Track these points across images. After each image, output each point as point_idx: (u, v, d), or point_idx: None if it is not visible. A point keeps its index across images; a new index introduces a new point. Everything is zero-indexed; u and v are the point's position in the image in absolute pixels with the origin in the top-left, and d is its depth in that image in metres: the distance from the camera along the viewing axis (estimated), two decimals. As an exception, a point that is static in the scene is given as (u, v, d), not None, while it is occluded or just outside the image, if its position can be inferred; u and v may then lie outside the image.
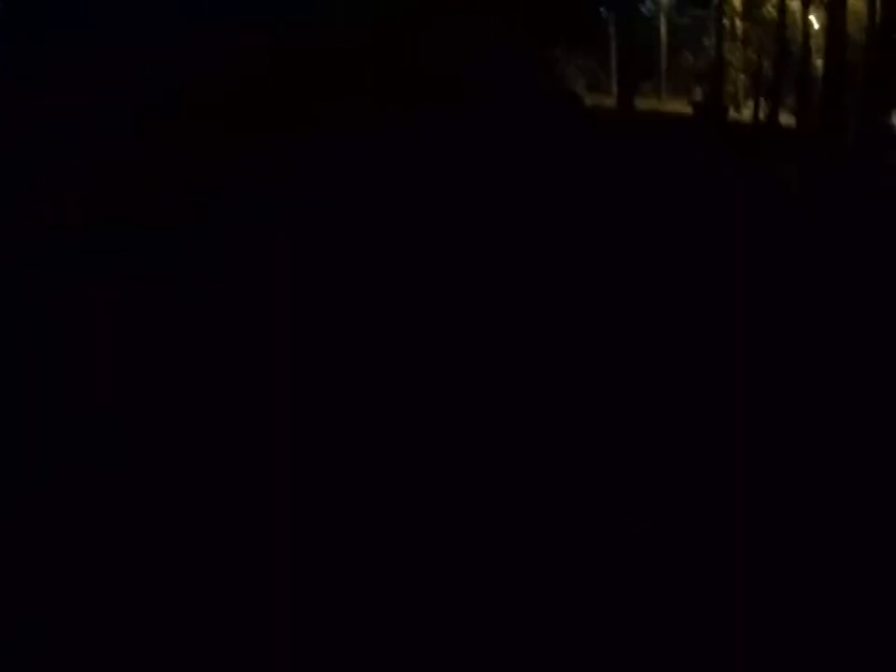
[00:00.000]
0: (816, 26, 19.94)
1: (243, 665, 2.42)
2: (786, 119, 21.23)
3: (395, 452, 3.67)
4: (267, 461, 3.64)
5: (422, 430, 3.91)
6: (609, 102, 21.12)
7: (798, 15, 21.31)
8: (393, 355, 4.84)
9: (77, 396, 4.34)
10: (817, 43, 20.22)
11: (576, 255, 6.66)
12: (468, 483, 3.38)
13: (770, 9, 22.06)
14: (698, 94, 24.34)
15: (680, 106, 23.61)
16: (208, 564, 2.93)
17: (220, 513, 3.26)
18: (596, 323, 5.31)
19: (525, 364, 4.71)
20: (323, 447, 3.74)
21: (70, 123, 6.16)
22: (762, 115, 22.62)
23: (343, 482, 3.45)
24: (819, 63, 20.73)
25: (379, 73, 6.91)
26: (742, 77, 23.96)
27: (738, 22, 23.20)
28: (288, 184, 6.38)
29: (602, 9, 22.46)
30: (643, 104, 21.52)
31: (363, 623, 2.53)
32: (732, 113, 22.22)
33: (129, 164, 6.03)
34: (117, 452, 3.74)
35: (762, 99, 22.87)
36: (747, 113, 23.23)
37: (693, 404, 4.11)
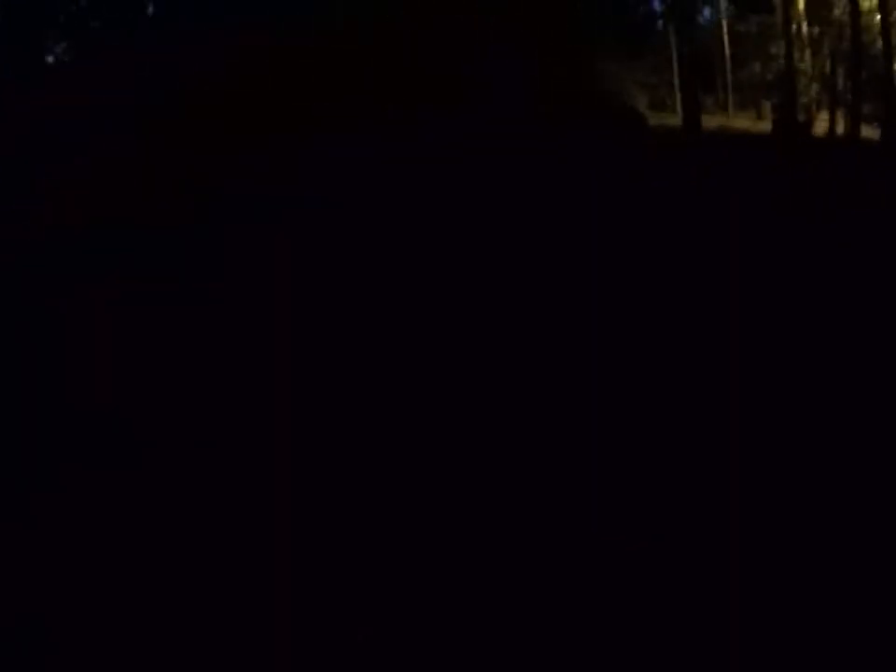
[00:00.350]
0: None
1: (242, 664, 2.43)
2: (866, 131, 20.03)
3: (395, 453, 3.68)
4: (266, 461, 3.66)
5: (422, 432, 3.92)
6: (674, 120, 20.46)
7: (873, 15, 20.14)
8: (392, 355, 4.85)
9: (77, 396, 4.35)
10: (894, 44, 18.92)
11: (583, 255, 6.61)
12: (466, 485, 3.38)
13: (842, 9, 20.82)
14: (767, 108, 23.34)
15: (750, 122, 22.79)
16: (208, 563, 2.94)
17: (220, 513, 3.27)
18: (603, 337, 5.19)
19: (524, 365, 4.71)
20: (322, 447, 3.75)
21: (70, 123, 6.16)
22: (839, 128, 21.40)
23: (341, 483, 3.46)
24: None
25: (379, 73, 6.90)
26: (815, 86, 22.64)
27: (806, 27, 21.88)
28: (288, 184, 6.39)
29: (659, 22, 21.90)
30: (710, 120, 20.79)
31: (361, 624, 2.53)
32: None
33: (129, 164, 6.03)
34: (117, 452, 3.76)
35: (838, 110, 21.60)
36: (822, 125, 21.97)
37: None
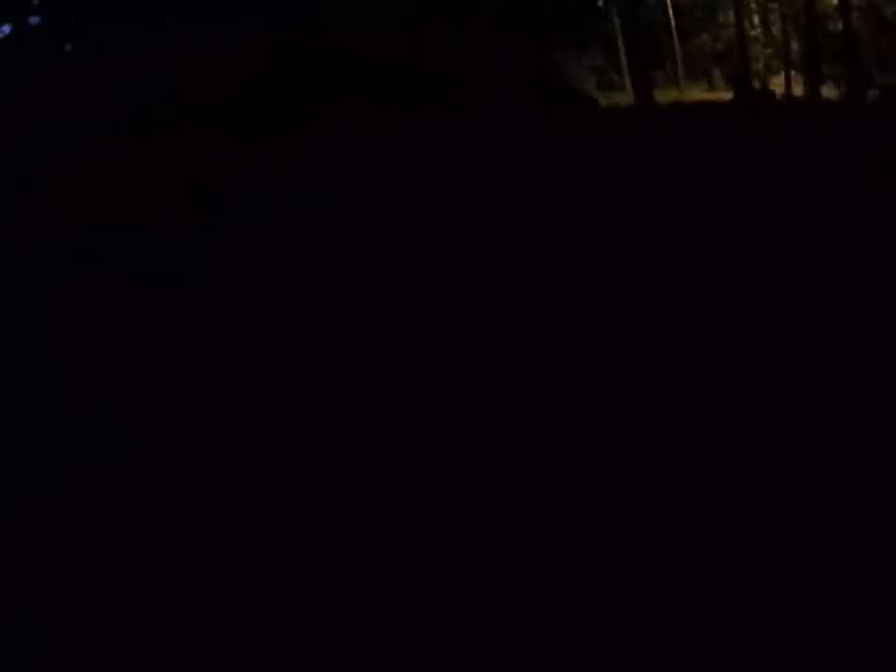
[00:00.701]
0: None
1: (241, 665, 2.45)
2: (823, 90, 19.59)
3: (397, 457, 3.70)
4: (268, 464, 3.67)
5: (423, 434, 3.93)
6: (626, 99, 20.25)
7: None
8: (393, 356, 4.87)
9: (78, 399, 4.37)
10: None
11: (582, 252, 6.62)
12: (462, 482, 3.40)
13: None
14: (719, 77, 22.97)
15: (703, 93, 22.50)
16: (209, 566, 2.96)
17: (221, 516, 3.29)
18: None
19: (520, 362, 4.72)
20: (323, 451, 3.77)
21: (72, 126, 6.20)
22: (796, 91, 20.92)
23: (343, 486, 3.48)
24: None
25: (380, 75, 6.92)
26: (767, 51, 22.17)
27: (753, -8, 21.45)
28: (289, 185, 6.42)
29: (600, 3, 21.60)
30: (662, 95, 20.61)
31: (361, 627, 2.55)
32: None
33: (131, 167, 6.06)
34: (118, 455, 3.77)
35: (793, 73, 21.13)
36: (777, 89, 21.52)
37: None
